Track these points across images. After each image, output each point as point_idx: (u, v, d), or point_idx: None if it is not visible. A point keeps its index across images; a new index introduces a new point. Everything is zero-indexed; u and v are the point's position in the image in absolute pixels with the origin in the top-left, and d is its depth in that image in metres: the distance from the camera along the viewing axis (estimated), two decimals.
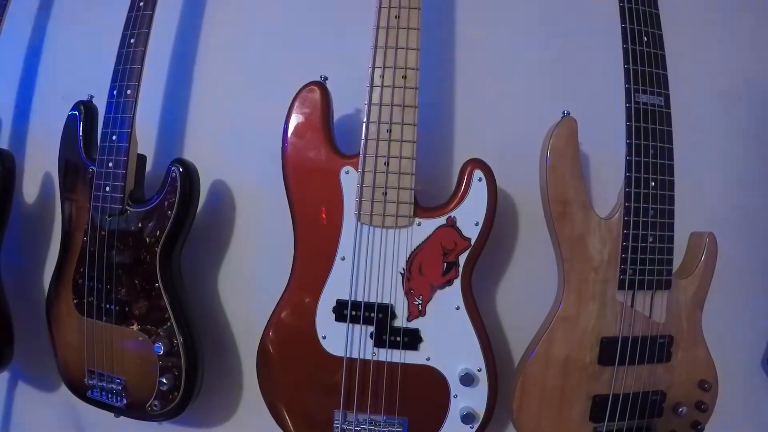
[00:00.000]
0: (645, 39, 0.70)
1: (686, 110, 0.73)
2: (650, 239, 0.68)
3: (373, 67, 0.63)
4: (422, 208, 0.64)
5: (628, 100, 0.68)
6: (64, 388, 0.79)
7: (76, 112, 0.77)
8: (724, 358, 0.71)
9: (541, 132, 0.67)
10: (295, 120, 0.65)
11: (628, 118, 0.67)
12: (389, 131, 0.62)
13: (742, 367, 0.82)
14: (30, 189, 0.89)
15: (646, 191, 0.68)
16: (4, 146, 0.92)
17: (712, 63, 0.80)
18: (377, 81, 0.63)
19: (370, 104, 0.62)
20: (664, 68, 0.70)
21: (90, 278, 0.74)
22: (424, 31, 0.63)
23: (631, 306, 0.69)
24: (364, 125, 0.62)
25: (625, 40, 0.69)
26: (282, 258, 0.68)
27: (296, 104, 0.65)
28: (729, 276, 0.77)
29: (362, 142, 0.62)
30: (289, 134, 0.65)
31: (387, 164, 0.62)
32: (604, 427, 0.69)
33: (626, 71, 0.68)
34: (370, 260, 0.63)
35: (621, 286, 0.68)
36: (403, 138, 0.62)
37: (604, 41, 0.70)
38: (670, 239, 0.69)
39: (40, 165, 0.88)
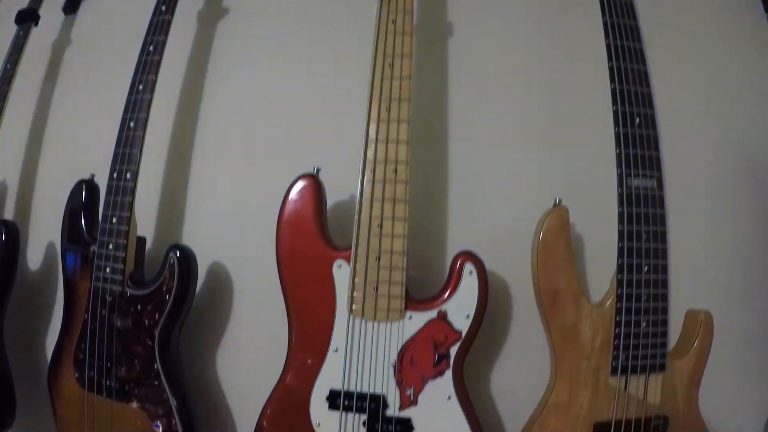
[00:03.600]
0: (637, 121, 0.70)
1: (681, 185, 0.73)
2: (644, 324, 0.68)
3: (364, 161, 0.64)
4: (414, 301, 0.65)
5: (620, 185, 0.68)
6: None
7: (78, 192, 0.79)
8: None
9: (534, 213, 0.67)
10: (288, 213, 0.66)
11: (620, 203, 0.67)
12: (380, 226, 0.63)
13: None
14: (34, 257, 0.92)
15: (639, 277, 0.68)
16: (9, 215, 0.94)
17: (709, 137, 0.80)
18: (368, 175, 0.64)
19: (361, 199, 0.63)
20: (657, 149, 0.70)
21: (91, 354, 0.76)
22: (415, 116, 0.64)
23: (625, 390, 0.69)
24: (356, 220, 0.63)
25: (616, 123, 0.69)
26: (280, 338, 0.69)
27: (289, 197, 0.66)
28: (726, 352, 0.77)
29: (354, 237, 0.63)
30: (283, 227, 0.66)
31: (378, 259, 0.63)
32: None
33: (618, 156, 0.68)
34: (363, 351, 0.64)
35: (614, 372, 0.67)
36: (394, 233, 0.63)
37: (599, 123, 0.71)
38: (664, 323, 0.69)
39: (44, 233, 0.90)
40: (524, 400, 0.69)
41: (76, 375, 0.77)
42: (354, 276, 0.63)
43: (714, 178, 0.79)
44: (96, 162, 0.79)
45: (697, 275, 0.77)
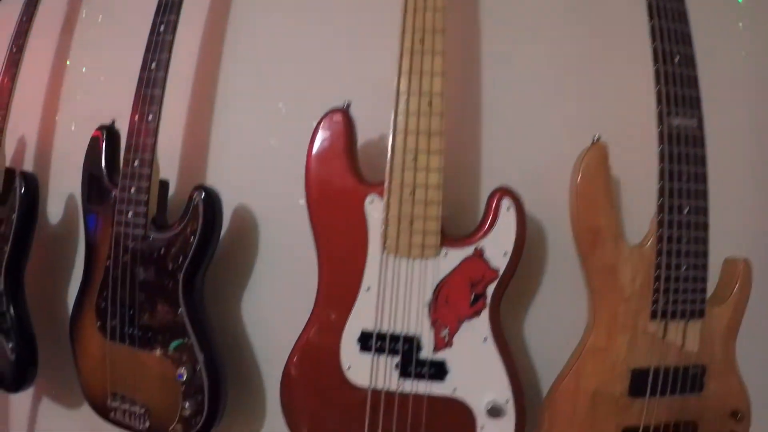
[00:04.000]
0: (677, 59, 0.68)
1: (720, 132, 0.71)
2: (684, 267, 0.66)
3: (398, 94, 0.62)
4: (449, 238, 0.63)
5: (660, 123, 0.66)
6: (86, 407, 0.80)
7: (98, 137, 0.77)
8: (758, 388, 0.69)
9: (571, 156, 0.65)
10: (318, 148, 0.64)
11: (661, 141, 0.65)
12: (415, 159, 0.61)
13: None
14: (54, 210, 0.90)
15: (680, 218, 0.66)
16: (29, 168, 0.93)
17: (747, 85, 0.77)
18: (402, 108, 0.61)
19: (395, 132, 0.61)
20: (697, 89, 0.67)
21: (113, 302, 0.74)
22: (449, 53, 0.62)
23: (663, 336, 0.66)
24: (389, 153, 0.61)
25: (655, 60, 0.66)
26: (307, 282, 0.67)
27: (319, 132, 0.64)
28: (764, 303, 0.74)
29: (387, 170, 0.61)
30: (312, 163, 0.64)
31: (413, 193, 0.61)
32: None
33: (658, 93, 0.66)
34: (396, 291, 0.62)
35: (653, 316, 0.65)
36: (429, 166, 0.61)
37: (635, 61, 0.68)
38: (704, 267, 0.66)
39: (64, 186, 0.89)
40: (560, 345, 0.67)
41: (98, 324, 0.76)
42: (387, 211, 0.61)
43: (755, 124, 0.77)
44: (116, 110, 0.77)
45: (735, 224, 0.75)
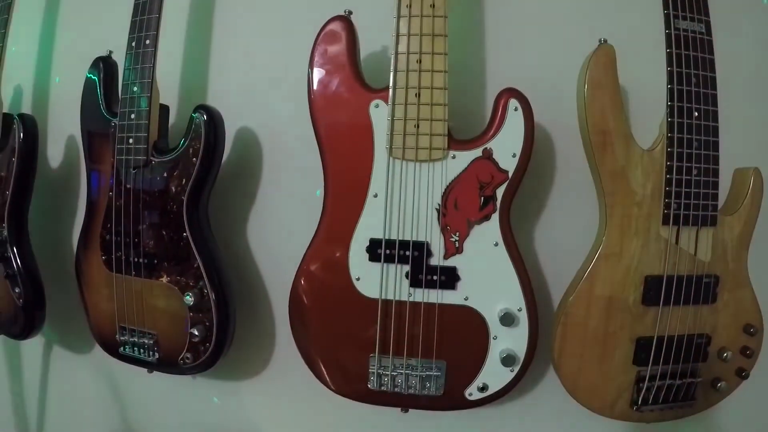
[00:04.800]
0: None
1: (728, 42, 0.69)
2: (695, 172, 0.65)
3: None
4: (456, 141, 0.62)
5: (667, 26, 0.64)
6: (97, 349, 0.79)
7: (96, 69, 0.76)
8: None
9: (576, 62, 0.63)
10: (320, 56, 0.62)
11: (668, 45, 0.64)
12: (419, 61, 0.59)
13: None
14: (55, 152, 0.89)
15: (689, 121, 0.65)
16: (27, 111, 0.92)
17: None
18: (404, 11, 0.60)
19: (398, 35, 0.60)
20: None
21: (117, 233, 0.73)
22: None
23: (676, 243, 0.66)
24: (393, 57, 0.60)
25: None
26: (312, 202, 0.66)
27: (321, 40, 0.63)
28: None
29: (391, 74, 0.60)
30: (315, 71, 0.63)
31: (418, 95, 0.59)
32: (648, 371, 0.66)
33: None
34: (404, 196, 0.61)
35: (665, 222, 0.64)
36: (434, 68, 0.59)
37: None
38: (716, 172, 0.66)
39: (64, 128, 0.87)
40: (570, 255, 0.66)
41: (104, 258, 0.75)
42: (393, 115, 0.60)
43: (762, 34, 0.75)
44: (113, 45, 0.76)
45: (745, 136, 0.74)
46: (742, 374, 0.69)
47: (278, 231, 0.78)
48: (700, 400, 0.69)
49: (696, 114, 0.65)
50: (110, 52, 0.77)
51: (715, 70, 0.66)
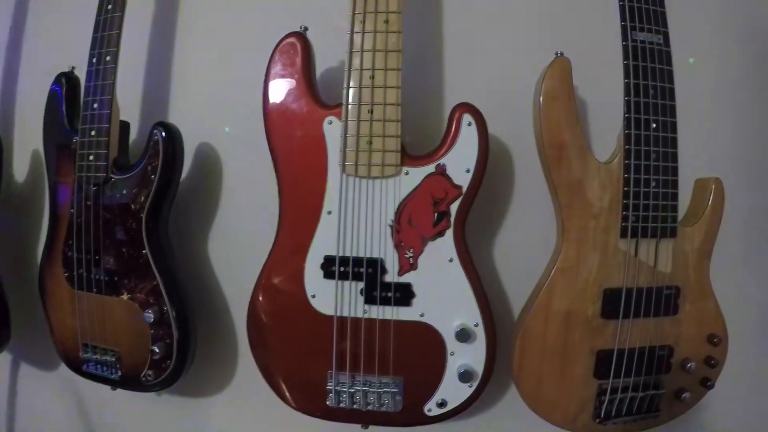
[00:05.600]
0: None
1: (686, 52, 0.69)
2: (653, 184, 0.65)
3: (353, 13, 0.60)
4: (410, 157, 0.62)
5: (624, 38, 0.64)
6: (64, 366, 0.79)
7: (58, 85, 0.76)
8: (734, 311, 0.68)
9: (533, 75, 0.63)
10: (275, 72, 0.62)
11: (626, 56, 0.64)
12: (372, 77, 0.59)
13: (753, 321, 0.78)
14: (20, 167, 0.89)
15: (647, 133, 0.64)
16: None
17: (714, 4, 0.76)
18: (358, 27, 0.60)
19: (351, 51, 0.60)
20: (662, 5, 0.66)
21: (78, 250, 0.73)
22: None
23: (635, 255, 0.65)
24: (346, 73, 0.60)
25: None
26: (271, 217, 0.66)
27: (276, 56, 0.63)
28: (737, 225, 0.73)
29: (344, 90, 0.60)
30: (270, 86, 0.62)
31: (371, 112, 0.59)
32: (609, 384, 0.66)
33: (621, 8, 0.65)
34: (358, 213, 0.61)
35: (623, 234, 0.64)
36: (387, 84, 0.59)
37: None
38: (675, 184, 0.65)
39: (29, 143, 0.87)
40: (528, 269, 0.66)
41: (66, 275, 0.75)
42: (346, 131, 0.60)
43: (720, 46, 0.75)
44: (80, 59, 0.76)
45: (704, 145, 0.73)
46: (707, 384, 0.69)
47: (239, 247, 0.77)
48: (664, 411, 0.69)
49: (654, 125, 0.65)
50: (72, 67, 0.77)
51: (674, 81, 0.66)
